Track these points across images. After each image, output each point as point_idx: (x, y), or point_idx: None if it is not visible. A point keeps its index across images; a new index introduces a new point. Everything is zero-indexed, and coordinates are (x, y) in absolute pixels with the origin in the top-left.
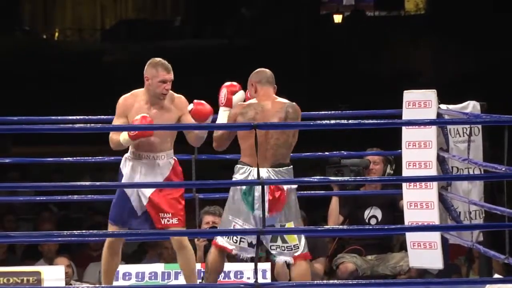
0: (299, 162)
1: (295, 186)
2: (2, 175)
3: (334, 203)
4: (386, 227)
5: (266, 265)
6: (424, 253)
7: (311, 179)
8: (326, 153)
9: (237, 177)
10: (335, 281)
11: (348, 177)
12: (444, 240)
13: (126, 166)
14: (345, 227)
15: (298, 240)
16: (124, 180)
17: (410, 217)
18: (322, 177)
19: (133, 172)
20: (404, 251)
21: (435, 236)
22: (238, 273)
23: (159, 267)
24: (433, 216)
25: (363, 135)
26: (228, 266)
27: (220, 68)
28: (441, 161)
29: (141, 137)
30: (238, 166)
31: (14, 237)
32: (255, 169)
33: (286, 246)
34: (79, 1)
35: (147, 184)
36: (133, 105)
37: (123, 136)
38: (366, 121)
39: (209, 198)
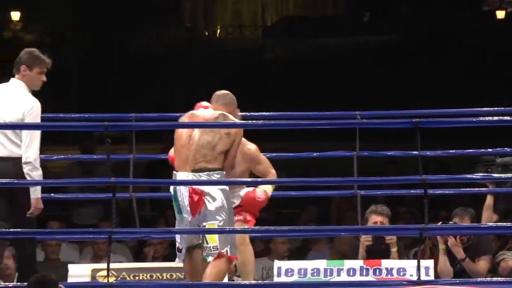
0: (462, 158)
1: (219, 188)
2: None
3: (488, 201)
4: None
5: (429, 262)
6: None
7: (473, 176)
8: (489, 149)
9: None
10: (495, 278)
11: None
12: None
13: None
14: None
15: (218, 241)
16: None
17: None
18: (485, 174)
19: None
20: None
21: None
22: (401, 270)
23: (321, 264)
24: None
25: None
26: (391, 263)
27: (378, 65)
28: None
29: None
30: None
31: (176, 232)
32: (177, 173)
33: (209, 247)
34: None
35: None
36: None
37: None
38: None
39: (371, 194)
